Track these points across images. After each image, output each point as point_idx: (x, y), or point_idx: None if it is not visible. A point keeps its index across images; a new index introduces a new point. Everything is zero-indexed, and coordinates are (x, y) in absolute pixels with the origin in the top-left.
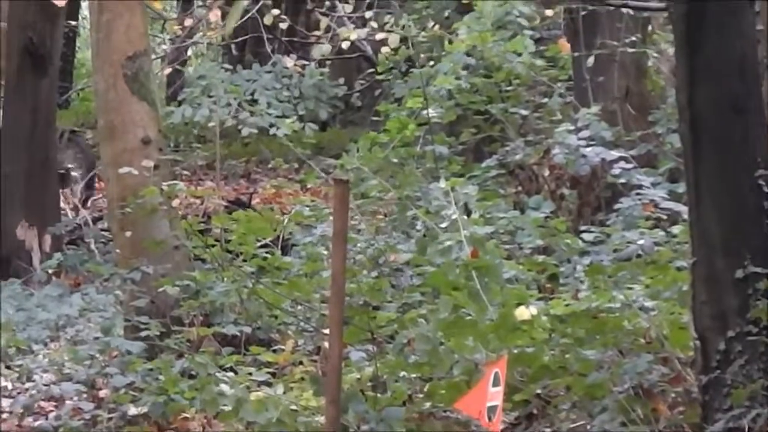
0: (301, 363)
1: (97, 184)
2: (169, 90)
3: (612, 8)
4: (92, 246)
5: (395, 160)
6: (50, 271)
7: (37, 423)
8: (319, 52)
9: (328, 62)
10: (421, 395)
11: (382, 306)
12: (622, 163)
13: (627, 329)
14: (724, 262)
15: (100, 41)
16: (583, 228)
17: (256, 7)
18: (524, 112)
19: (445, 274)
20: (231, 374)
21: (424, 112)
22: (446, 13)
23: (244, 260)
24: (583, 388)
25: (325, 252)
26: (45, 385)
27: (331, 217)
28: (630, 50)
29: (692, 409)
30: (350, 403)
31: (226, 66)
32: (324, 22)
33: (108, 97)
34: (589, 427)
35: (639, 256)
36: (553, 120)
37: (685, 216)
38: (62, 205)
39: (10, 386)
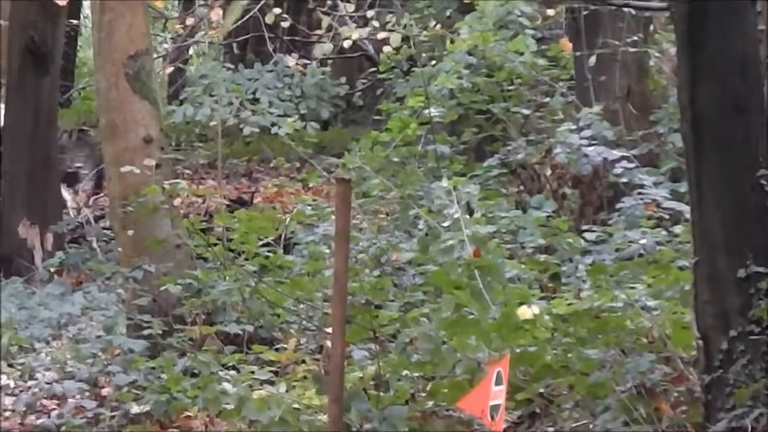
0: (303, 362)
1: (105, 183)
2: (170, 89)
3: (614, 8)
4: (94, 244)
5: (397, 160)
6: (52, 270)
7: (39, 421)
8: (320, 51)
9: (329, 61)
10: (423, 394)
11: (385, 305)
12: (624, 163)
13: (629, 329)
14: (726, 261)
15: (101, 40)
16: (585, 227)
17: (258, 6)
18: (526, 112)
19: (448, 274)
20: (233, 373)
21: (426, 111)
22: (448, 13)
23: (246, 259)
24: (586, 387)
25: (327, 251)
26: (47, 383)
27: (333, 216)
28: (632, 50)
29: (695, 408)
30: (353, 402)
31: (228, 65)
32: (326, 21)
33: (110, 96)
34: (591, 426)
35: (641, 255)
36: (554, 119)
37: (687, 215)
38: (71, 203)
39: (12, 384)
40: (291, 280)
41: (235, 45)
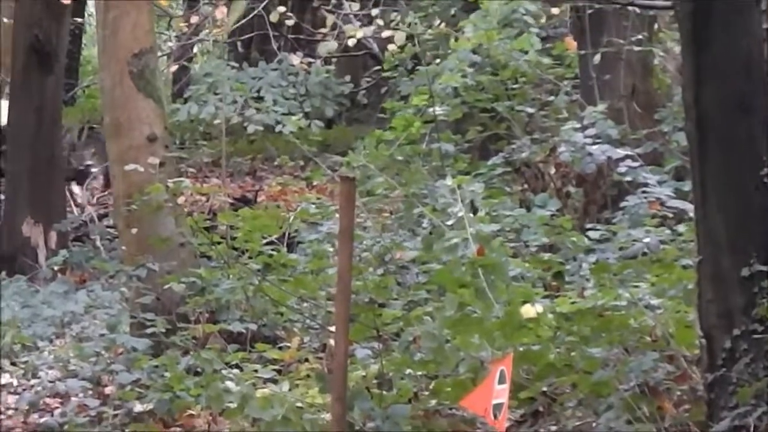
0: (306, 360)
1: None
2: (175, 87)
3: (618, 6)
4: (98, 243)
5: (401, 158)
6: (56, 268)
7: (42, 420)
8: (325, 50)
9: (334, 60)
10: (426, 393)
11: (388, 303)
12: (628, 161)
13: (633, 327)
14: (729, 260)
15: (106, 38)
16: (588, 226)
17: (263, 4)
18: (530, 110)
19: (451, 272)
20: (236, 371)
21: (430, 109)
22: (452, 11)
23: (250, 257)
24: (589, 385)
25: (331, 249)
26: (50, 381)
27: (337, 215)
28: (636, 48)
29: (698, 407)
30: (356, 401)
31: (232, 63)
32: (330, 19)
33: (114, 94)
34: (594, 424)
35: (645, 254)
36: (559, 118)
37: (691, 214)
38: (81, 200)
39: (15, 383)
40: (294, 279)
41: (239, 43)
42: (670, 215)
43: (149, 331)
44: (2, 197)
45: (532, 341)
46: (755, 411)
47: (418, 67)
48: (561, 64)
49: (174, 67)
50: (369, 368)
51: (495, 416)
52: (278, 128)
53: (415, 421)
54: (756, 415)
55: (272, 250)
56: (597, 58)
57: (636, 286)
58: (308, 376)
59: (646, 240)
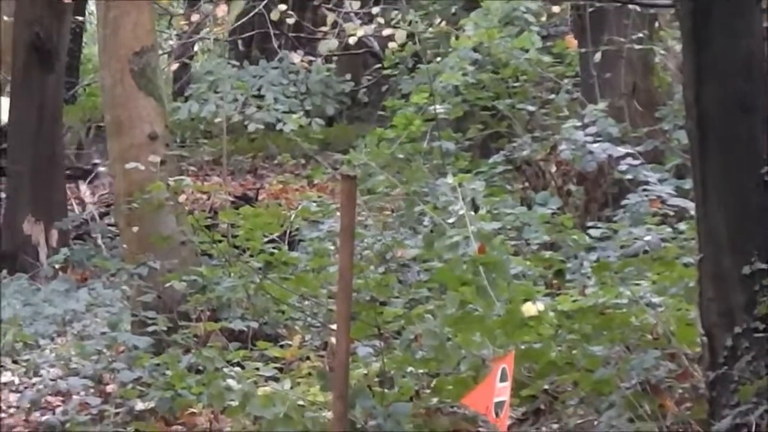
0: (308, 358)
1: None
2: (175, 86)
3: (619, 5)
4: (99, 241)
5: (402, 156)
6: (57, 266)
7: (44, 418)
8: (325, 48)
9: (334, 58)
10: (428, 391)
11: (389, 301)
12: (629, 160)
13: (634, 325)
14: (730, 258)
15: (107, 37)
16: (589, 224)
17: (263, 3)
18: (531, 108)
19: (452, 270)
20: (238, 369)
21: (431, 108)
22: (453, 9)
23: (251, 256)
24: (590, 383)
25: (332, 247)
26: (52, 380)
27: (338, 213)
28: (637, 47)
29: (699, 405)
30: (357, 399)
31: (233, 62)
32: (331, 17)
33: (115, 92)
34: (596, 422)
35: (646, 252)
36: (560, 116)
37: (692, 212)
38: (89, 199)
39: (17, 381)
40: (296, 277)
41: (240, 42)
42: (671, 213)
43: (150, 329)
44: (3, 195)
45: (534, 339)
46: (757, 409)
47: (418, 66)
48: (562, 63)
49: (175, 66)
50: (370, 366)
51: (496, 414)
52: (279, 126)
53: (417, 419)
54: (758, 413)
55: (273, 248)
56: (598, 56)
57: (637, 284)
58: (310, 374)
59: (647, 238)
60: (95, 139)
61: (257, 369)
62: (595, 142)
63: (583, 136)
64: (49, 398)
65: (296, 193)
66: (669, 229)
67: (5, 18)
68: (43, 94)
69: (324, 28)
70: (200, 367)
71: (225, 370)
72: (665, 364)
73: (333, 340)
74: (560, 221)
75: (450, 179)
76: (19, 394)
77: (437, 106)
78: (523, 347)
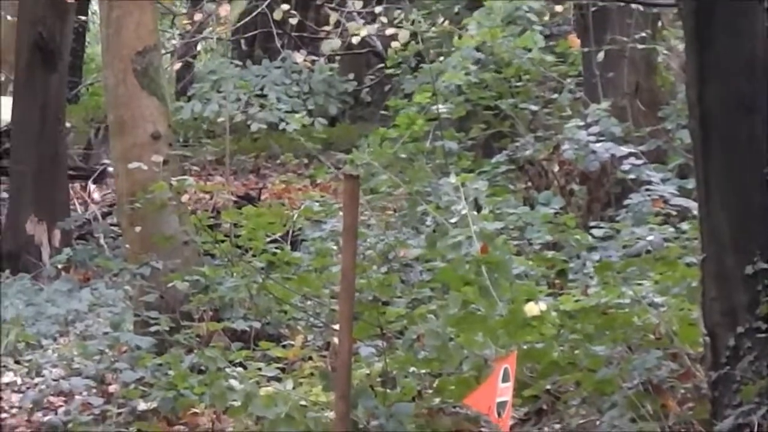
0: (310, 358)
1: None
2: (178, 85)
3: (622, 4)
4: (101, 241)
5: (405, 156)
6: (59, 266)
7: (46, 418)
8: (328, 48)
9: (337, 57)
10: (430, 391)
11: (392, 301)
12: (631, 159)
13: (636, 325)
14: (733, 258)
15: (110, 36)
16: (592, 224)
17: (266, 2)
18: (534, 108)
19: (455, 270)
20: (240, 369)
21: (434, 107)
22: (456, 9)
23: (254, 255)
24: (593, 383)
25: (335, 247)
26: (54, 380)
27: (340, 213)
28: (640, 46)
29: (701, 405)
30: (360, 399)
31: (236, 61)
32: (334, 17)
33: (118, 92)
34: (598, 422)
35: (648, 252)
36: (562, 116)
37: (695, 212)
38: (98, 199)
39: (19, 381)
40: (298, 277)
41: (243, 41)
42: (674, 213)
43: (153, 329)
44: (6, 195)
45: (536, 339)
46: (759, 409)
47: (421, 65)
48: (564, 62)
49: (177, 65)
50: (373, 366)
51: (499, 414)
52: (282, 126)
53: (419, 419)
54: (760, 413)
55: (276, 248)
56: (600, 55)
57: (639, 284)
58: (312, 374)
59: (650, 238)
60: (104, 139)
61: (259, 369)
62: (597, 141)
63: (586, 136)
64: (52, 398)
65: (299, 193)
66: (672, 229)
67: (8, 17)
68: (46, 94)
69: (327, 28)
70: (203, 368)
71: (227, 370)
72: (667, 364)
73: (335, 340)
74: (563, 221)
75: (453, 179)
76: (21, 395)
77: (440, 106)
78: (525, 347)
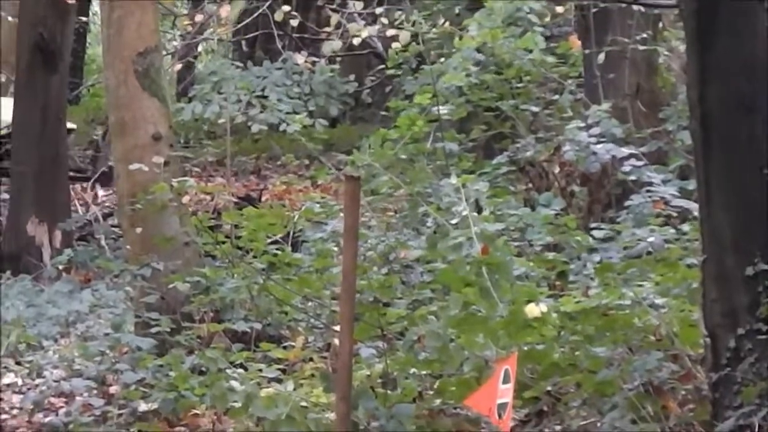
0: (311, 359)
1: None
2: (179, 86)
3: (623, 5)
4: (102, 242)
5: (405, 157)
6: (60, 267)
7: (47, 419)
8: (329, 49)
9: (338, 59)
10: (431, 392)
11: (393, 303)
12: (632, 160)
13: (637, 326)
14: (734, 259)
15: (111, 37)
16: (593, 225)
17: (267, 3)
18: (535, 109)
19: (456, 271)
20: (241, 370)
21: (435, 108)
22: (457, 10)
23: (255, 256)
24: (593, 385)
25: (336, 248)
26: (55, 381)
27: (341, 214)
28: (641, 47)
29: (702, 406)
30: (360, 400)
31: (237, 62)
32: (335, 18)
33: (119, 93)
34: (599, 424)
35: (649, 253)
36: (563, 117)
37: (696, 213)
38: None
39: (20, 382)
40: (299, 278)
41: (244, 42)
42: (675, 214)
43: (154, 330)
44: (7, 196)
45: (537, 340)
46: (760, 410)
47: (422, 66)
48: (565, 63)
49: (178, 66)
50: (373, 367)
51: (499, 416)
52: (282, 127)
53: (420, 420)
54: (761, 415)
55: (277, 249)
56: (601, 56)
57: (640, 286)
58: (313, 375)
59: (651, 239)
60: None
61: (260, 370)
62: (598, 143)
63: (587, 137)
64: (52, 399)
65: (300, 194)
66: (672, 230)
67: (9, 18)
68: (47, 95)
69: (328, 29)
70: (203, 369)
71: (228, 371)
72: (668, 366)
73: (336, 341)
74: (563, 222)
75: (453, 180)
76: (22, 396)
77: (441, 107)
78: (526, 348)
